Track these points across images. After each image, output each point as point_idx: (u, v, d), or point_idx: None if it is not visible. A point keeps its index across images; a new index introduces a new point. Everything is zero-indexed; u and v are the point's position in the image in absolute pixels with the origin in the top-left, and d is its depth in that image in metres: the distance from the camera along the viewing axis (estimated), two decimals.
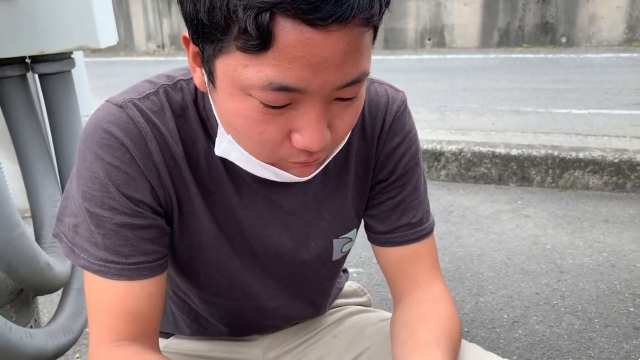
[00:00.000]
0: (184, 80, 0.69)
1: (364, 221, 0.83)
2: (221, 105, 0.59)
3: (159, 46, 9.13)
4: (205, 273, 0.76)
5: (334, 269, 0.86)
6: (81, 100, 1.90)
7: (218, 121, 0.63)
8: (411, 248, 0.79)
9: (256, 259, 0.77)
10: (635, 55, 6.16)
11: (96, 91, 5.26)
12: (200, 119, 0.69)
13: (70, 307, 1.30)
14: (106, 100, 0.67)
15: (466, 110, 4.11)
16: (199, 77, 0.61)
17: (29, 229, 1.15)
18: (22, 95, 1.29)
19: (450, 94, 4.73)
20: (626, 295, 1.88)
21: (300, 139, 0.57)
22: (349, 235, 0.81)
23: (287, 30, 0.50)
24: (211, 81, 0.58)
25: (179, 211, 0.70)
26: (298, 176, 0.64)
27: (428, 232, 0.80)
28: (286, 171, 0.63)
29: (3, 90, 1.26)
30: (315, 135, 0.56)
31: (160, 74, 0.72)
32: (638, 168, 2.71)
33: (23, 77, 1.28)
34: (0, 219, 1.03)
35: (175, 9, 8.80)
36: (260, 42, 0.50)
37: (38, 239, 1.31)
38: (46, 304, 1.93)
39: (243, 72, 0.53)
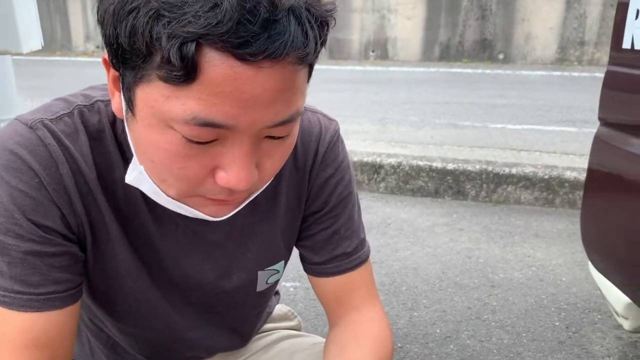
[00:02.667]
0: (101, 101, 0.65)
1: (299, 252, 0.81)
2: (139, 134, 0.54)
3: (98, 47, 8.84)
4: (122, 303, 0.72)
5: (259, 300, 0.84)
6: (7, 102, 1.81)
7: (133, 150, 0.59)
8: (347, 277, 0.78)
9: (175, 289, 0.73)
10: (566, 74, 6.46)
11: (28, 91, 5.03)
12: (117, 144, 0.64)
13: None
14: (15, 118, 0.62)
15: (406, 123, 4.18)
16: (117, 103, 0.57)
17: None
18: None
19: (391, 106, 4.81)
20: (552, 309, 1.94)
21: (224, 177, 0.53)
22: (275, 267, 0.78)
23: (215, 64, 0.47)
24: (130, 109, 0.54)
25: (92, 239, 0.65)
26: (212, 216, 0.60)
27: (363, 260, 0.80)
28: (198, 209, 0.59)
29: None
30: (242, 175, 0.53)
31: (77, 92, 0.67)
32: (566, 184, 2.83)
33: None
34: None
35: None
36: (185, 73, 0.47)
37: None
38: None
39: (164, 103, 0.49)
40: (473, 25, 7.29)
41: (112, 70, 0.55)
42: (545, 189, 2.85)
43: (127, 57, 0.50)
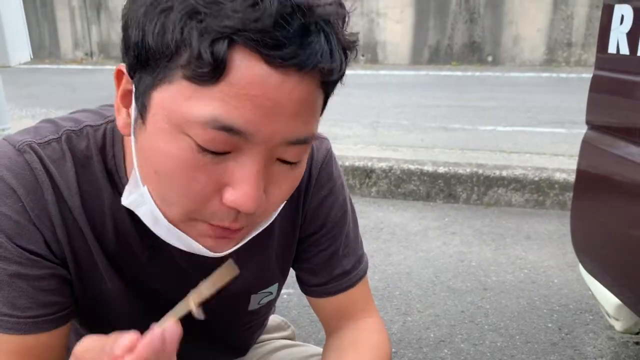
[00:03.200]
0: (90, 126, 0.64)
1: (297, 275, 0.81)
2: (146, 143, 0.53)
3: (87, 54, 8.81)
4: (113, 326, 0.72)
5: (251, 317, 0.84)
6: None
7: (135, 168, 0.57)
8: (345, 295, 0.79)
9: (166, 312, 0.73)
10: (554, 75, 6.51)
11: (17, 101, 5.01)
12: (106, 170, 0.63)
13: None
14: (3, 139, 0.62)
15: (397, 126, 4.19)
16: (123, 119, 0.56)
17: None
18: None
19: (382, 110, 4.82)
20: (544, 311, 1.95)
21: (232, 195, 0.51)
22: (269, 289, 0.79)
23: (244, 64, 0.47)
24: (141, 116, 0.53)
25: (75, 266, 0.64)
26: (211, 250, 0.58)
27: (362, 276, 0.80)
28: (198, 240, 0.57)
29: None
30: (251, 193, 0.51)
31: (66, 116, 0.66)
32: (556, 186, 2.85)
33: None
34: None
35: (105, 16, 8.54)
36: (212, 70, 0.46)
37: None
38: None
39: (184, 103, 0.48)
40: (462, 28, 7.33)
41: (124, 84, 0.55)
42: (535, 191, 2.87)
43: (151, 57, 0.49)
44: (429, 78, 6.66)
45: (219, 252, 0.59)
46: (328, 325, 0.83)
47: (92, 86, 6.43)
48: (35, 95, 5.65)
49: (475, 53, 7.37)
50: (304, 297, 0.84)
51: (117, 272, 0.67)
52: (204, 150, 0.50)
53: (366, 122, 4.29)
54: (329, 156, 0.75)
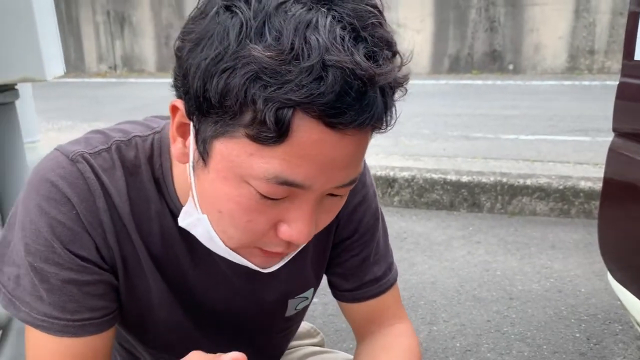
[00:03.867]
0: (139, 137, 0.67)
1: (328, 279, 0.83)
2: (210, 185, 0.56)
3: (110, 67, 8.97)
4: (153, 330, 0.74)
5: (287, 324, 0.85)
6: (26, 126, 1.84)
7: (195, 198, 0.60)
8: (377, 300, 0.81)
9: (207, 318, 0.75)
10: (577, 83, 6.45)
11: (44, 114, 5.11)
12: (154, 179, 0.66)
13: (10, 350, 1.24)
14: (56, 149, 0.64)
15: (419, 135, 4.19)
16: (179, 149, 0.59)
17: None
18: None
19: (403, 120, 4.75)
20: (572, 320, 1.93)
21: (287, 231, 0.56)
22: (305, 294, 0.80)
23: (305, 129, 0.49)
24: (203, 159, 0.55)
25: (124, 272, 0.67)
26: (260, 266, 0.62)
27: (392, 284, 0.82)
28: (249, 259, 0.61)
29: None
30: (305, 230, 0.56)
31: (115, 127, 0.69)
32: (581, 194, 2.82)
33: None
34: None
35: (129, 31, 8.69)
36: (276, 135, 0.49)
37: None
38: None
39: (246, 160, 0.51)
40: (482, 37, 7.31)
41: (180, 117, 0.57)
42: (560, 200, 2.84)
43: (212, 111, 0.51)
44: (449, 87, 6.65)
45: (267, 269, 0.63)
46: (359, 331, 0.84)
47: (115, 99, 6.54)
48: (62, 108, 5.76)
49: (496, 62, 7.34)
50: (328, 306, 0.85)
51: (162, 276, 0.69)
52: (264, 197, 0.53)
53: (388, 132, 4.29)
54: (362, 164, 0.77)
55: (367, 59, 0.48)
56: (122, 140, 0.66)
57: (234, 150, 0.52)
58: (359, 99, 0.48)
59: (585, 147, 3.64)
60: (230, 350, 0.79)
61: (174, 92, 0.58)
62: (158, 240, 0.67)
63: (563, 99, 5.59)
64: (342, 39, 0.48)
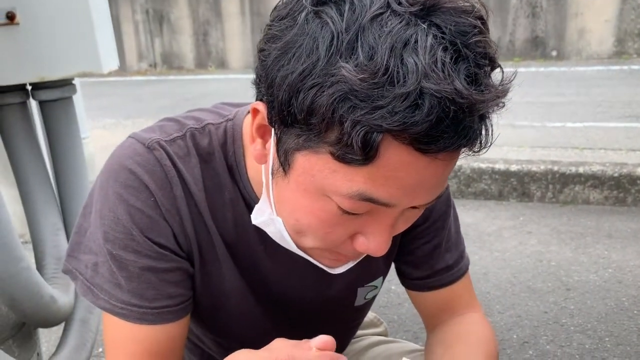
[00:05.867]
0: (212, 124, 0.66)
1: (397, 267, 0.81)
2: (289, 195, 0.55)
3: (150, 65, 9.12)
4: (224, 319, 0.74)
5: (357, 314, 0.84)
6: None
7: (272, 203, 0.58)
8: (448, 290, 0.79)
9: (277, 306, 0.74)
10: (625, 67, 6.22)
11: (88, 112, 5.22)
12: (228, 166, 0.65)
13: (73, 339, 1.26)
14: (130, 137, 0.64)
15: None
16: (259, 150, 0.57)
17: (31, 261, 1.11)
18: (22, 123, 1.26)
19: None
20: (635, 312, 1.86)
21: (365, 244, 0.55)
22: (374, 283, 0.79)
23: (394, 152, 0.46)
24: (284, 169, 0.54)
25: (200, 259, 0.67)
26: (328, 267, 0.62)
27: (464, 272, 0.80)
28: (318, 260, 0.61)
29: (3, 117, 1.23)
30: (383, 244, 0.55)
31: (188, 114, 0.69)
32: (638, 182, 2.71)
33: (23, 105, 1.26)
34: (3, 252, 1.00)
35: (167, 28, 8.81)
36: (362, 158, 0.46)
37: (39, 269, 1.27)
38: (44, 333, 1.88)
39: (330, 176, 0.49)
40: (523, 23, 7.13)
41: (260, 119, 0.55)
42: (615, 188, 2.74)
43: (297, 125, 0.49)
44: None
45: (336, 270, 0.62)
46: (430, 320, 0.82)
47: (156, 96, 6.64)
48: (104, 107, 5.88)
49: (538, 48, 7.14)
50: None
51: (235, 264, 0.68)
52: (345, 212, 0.52)
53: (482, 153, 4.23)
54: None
55: (469, 83, 0.45)
56: (196, 128, 0.65)
57: (316, 165, 0.50)
58: (455, 125, 0.45)
59: (638, 134, 3.51)
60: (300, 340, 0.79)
61: (255, 91, 0.56)
62: (231, 228, 0.67)
63: (611, 84, 5.40)
64: (443, 63, 0.44)
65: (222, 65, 8.45)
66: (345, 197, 0.50)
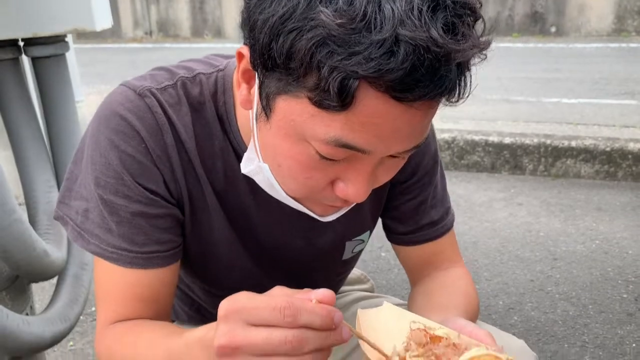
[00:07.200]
0: (203, 74, 0.67)
1: (384, 222, 0.83)
2: (271, 139, 0.56)
3: (146, 33, 9.01)
4: (213, 268, 0.75)
5: (344, 267, 0.86)
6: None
7: (256, 146, 0.59)
8: (433, 244, 0.80)
9: (266, 256, 0.76)
10: (624, 45, 6.20)
11: (83, 78, 5.17)
12: (218, 116, 0.66)
13: (66, 294, 1.28)
14: (122, 84, 0.65)
15: None
16: (244, 95, 0.58)
17: (24, 215, 1.13)
18: (14, 79, 1.25)
19: None
20: (619, 282, 1.89)
21: (344, 189, 0.56)
22: (361, 237, 0.80)
23: (370, 100, 0.47)
24: (265, 113, 0.55)
25: (190, 207, 0.68)
26: (319, 215, 0.62)
27: (449, 228, 0.81)
28: (308, 208, 0.61)
29: None
30: (362, 190, 0.55)
31: (179, 64, 0.69)
32: (629, 156, 2.73)
33: (15, 61, 1.25)
34: None
35: None
36: (339, 105, 0.47)
37: (33, 225, 1.29)
38: (38, 292, 1.90)
39: (308, 120, 0.50)
40: None
41: (244, 64, 0.56)
42: (606, 162, 2.76)
43: (277, 69, 0.49)
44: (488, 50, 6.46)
45: (326, 218, 0.63)
46: (414, 275, 0.84)
47: (152, 63, 6.51)
48: (100, 73, 5.84)
49: (537, 24, 7.09)
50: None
51: (225, 213, 0.70)
52: (323, 157, 0.53)
53: (460, 104, 4.22)
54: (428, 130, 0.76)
55: (446, 32, 0.45)
56: (187, 77, 0.66)
57: (296, 110, 0.50)
58: (431, 74, 0.45)
59: (632, 111, 3.51)
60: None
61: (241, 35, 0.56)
62: (222, 177, 0.68)
63: (609, 61, 5.38)
64: (420, 10, 0.44)
65: (218, 34, 8.35)
66: (322, 142, 0.50)
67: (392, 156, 0.55)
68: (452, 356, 0.49)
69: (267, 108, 0.54)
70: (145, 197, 0.63)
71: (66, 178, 0.68)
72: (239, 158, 0.67)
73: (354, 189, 0.55)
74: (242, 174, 0.68)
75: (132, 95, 0.63)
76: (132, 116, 0.61)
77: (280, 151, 0.55)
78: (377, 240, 2.20)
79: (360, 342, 0.54)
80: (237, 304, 0.48)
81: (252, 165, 0.62)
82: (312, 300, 0.48)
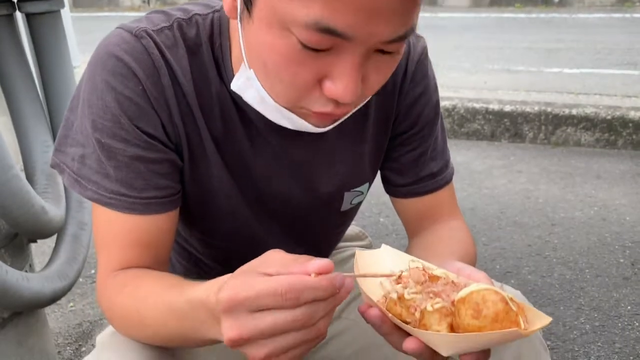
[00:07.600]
0: (199, 15, 0.65)
1: (382, 174, 0.82)
2: (254, 36, 0.54)
3: (144, 1, 8.89)
4: (212, 218, 0.74)
5: (342, 219, 0.85)
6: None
7: (243, 54, 0.58)
8: (431, 196, 0.79)
9: (264, 205, 0.75)
10: (627, 15, 6.13)
11: (80, 46, 5.12)
12: (214, 59, 0.65)
13: (65, 252, 1.29)
14: (118, 27, 0.63)
15: (458, 68, 4.07)
16: (229, 3, 0.56)
17: (22, 174, 1.12)
18: (9, 36, 1.23)
19: (441, 53, 4.68)
20: (616, 247, 1.90)
21: (332, 87, 0.53)
22: (360, 188, 0.79)
23: None
24: (247, 9, 0.53)
25: (189, 152, 0.67)
26: (315, 125, 0.60)
27: (448, 180, 0.80)
28: (303, 118, 0.59)
29: None
30: (349, 86, 0.53)
31: (176, 7, 0.67)
32: (630, 125, 2.72)
33: (10, 17, 1.23)
34: None
35: None
36: None
37: (31, 184, 1.28)
38: (38, 255, 1.91)
39: (288, 4, 0.49)
40: None
41: None
42: (607, 130, 2.75)
43: None
44: (490, 21, 6.39)
45: (322, 128, 0.60)
46: (412, 227, 0.83)
47: None
48: (97, 41, 5.75)
49: None
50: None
51: (223, 160, 0.69)
52: (306, 47, 0.51)
53: None
54: (424, 54, 0.74)
55: None
56: (183, 19, 0.64)
57: None
58: None
59: (635, 80, 3.49)
60: (284, 241, 0.80)
61: None
62: (219, 122, 0.67)
63: (612, 32, 5.33)
64: None
65: None
66: (303, 27, 0.49)
67: (380, 51, 0.54)
68: (450, 293, 0.49)
69: (248, 2, 0.53)
70: (143, 141, 0.62)
71: (62, 125, 0.67)
72: (235, 103, 0.66)
73: (342, 85, 0.52)
74: (239, 121, 0.67)
75: (128, 37, 0.61)
76: (129, 57, 0.60)
77: (265, 47, 0.53)
78: (375, 207, 2.20)
79: (360, 284, 0.54)
80: (238, 295, 0.47)
81: (241, 79, 0.60)
82: (311, 275, 0.48)
